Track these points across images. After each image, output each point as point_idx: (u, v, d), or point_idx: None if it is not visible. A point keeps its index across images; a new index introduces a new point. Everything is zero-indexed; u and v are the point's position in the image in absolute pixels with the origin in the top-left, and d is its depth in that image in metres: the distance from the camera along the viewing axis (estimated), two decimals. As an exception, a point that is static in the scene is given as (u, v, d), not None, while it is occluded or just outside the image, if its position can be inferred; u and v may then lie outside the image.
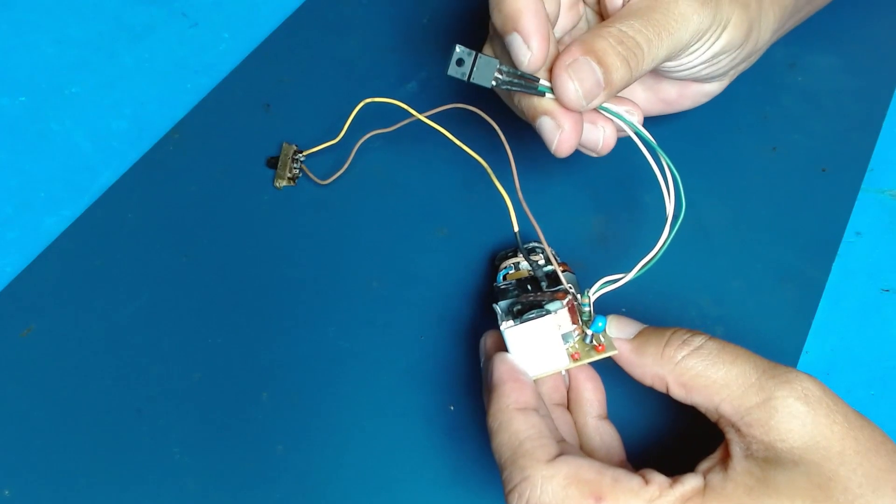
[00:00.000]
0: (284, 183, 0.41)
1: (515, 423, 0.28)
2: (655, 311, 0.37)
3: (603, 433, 0.32)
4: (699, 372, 0.28)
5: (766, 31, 0.35)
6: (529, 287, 0.32)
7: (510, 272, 0.35)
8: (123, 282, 0.38)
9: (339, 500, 0.32)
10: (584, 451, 0.31)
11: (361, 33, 0.48)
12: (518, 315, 0.30)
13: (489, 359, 0.30)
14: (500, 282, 0.33)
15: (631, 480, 0.26)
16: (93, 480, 0.33)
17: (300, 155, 0.41)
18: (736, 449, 0.27)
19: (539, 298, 0.30)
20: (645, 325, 0.30)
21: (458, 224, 0.40)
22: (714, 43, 0.32)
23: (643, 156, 0.31)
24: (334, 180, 0.41)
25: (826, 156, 0.41)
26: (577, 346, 0.30)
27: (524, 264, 0.35)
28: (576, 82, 0.30)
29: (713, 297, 0.37)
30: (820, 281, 0.38)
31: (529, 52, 0.30)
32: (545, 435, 0.28)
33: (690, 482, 0.26)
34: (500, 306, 0.31)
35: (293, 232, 0.40)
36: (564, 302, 0.30)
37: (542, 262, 0.34)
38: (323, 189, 0.41)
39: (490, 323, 0.34)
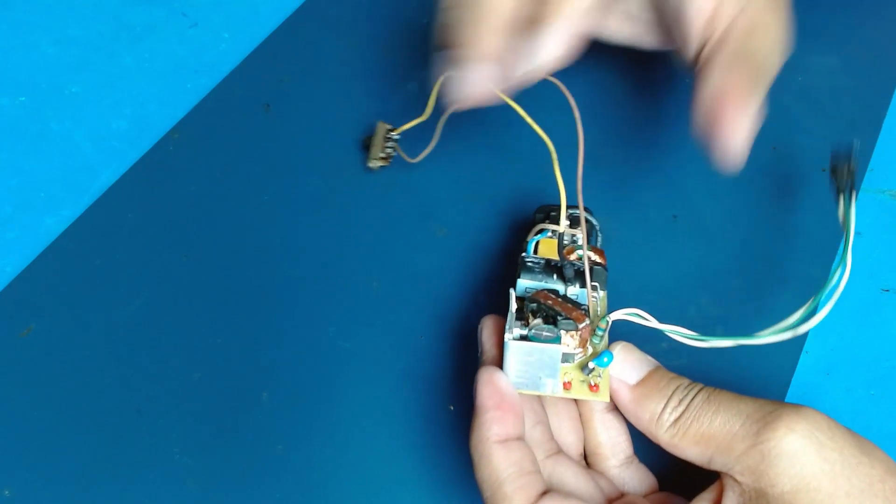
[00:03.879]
0: (379, 163, 0.40)
1: (496, 459, 0.27)
2: (655, 312, 0.36)
3: (633, 473, 0.31)
4: (686, 431, 0.27)
5: None
6: (555, 276, 0.30)
7: (547, 237, 0.32)
8: (123, 282, 0.38)
9: (339, 500, 0.32)
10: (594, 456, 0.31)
11: (361, 33, 0.48)
12: (529, 318, 0.29)
13: (481, 365, 0.29)
14: (530, 254, 0.31)
15: None
16: (93, 480, 0.33)
17: (394, 133, 0.40)
18: (729, 493, 0.26)
19: (556, 310, 0.29)
20: (653, 365, 0.29)
21: (459, 224, 0.40)
22: None
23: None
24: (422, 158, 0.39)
25: (826, 156, 0.41)
26: (573, 371, 0.29)
27: (566, 234, 0.32)
28: (744, 136, 0.30)
29: (713, 297, 0.37)
30: (820, 281, 0.38)
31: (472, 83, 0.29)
32: (526, 471, 0.27)
33: None
34: (513, 300, 0.29)
35: (293, 232, 0.40)
36: (580, 326, 0.28)
37: (579, 238, 0.32)
38: (322, 190, 0.41)
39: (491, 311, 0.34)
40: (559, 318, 0.29)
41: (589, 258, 0.31)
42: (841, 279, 0.29)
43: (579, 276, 0.30)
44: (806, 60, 0.45)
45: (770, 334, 0.29)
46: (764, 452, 0.25)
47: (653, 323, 0.29)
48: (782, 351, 0.36)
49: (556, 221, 0.33)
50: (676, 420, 0.27)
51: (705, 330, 0.36)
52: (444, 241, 0.39)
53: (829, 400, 0.34)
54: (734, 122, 0.29)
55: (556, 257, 0.31)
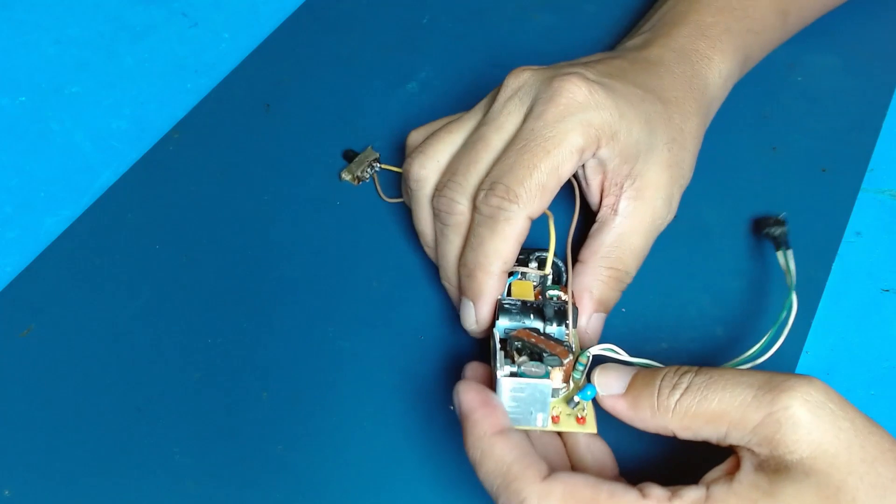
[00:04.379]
0: (349, 178, 0.41)
1: (498, 449, 0.28)
2: (655, 311, 0.37)
3: (594, 450, 0.31)
4: (696, 410, 0.27)
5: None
6: (532, 316, 0.32)
7: (517, 279, 0.34)
8: (123, 282, 0.38)
9: (339, 500, 0.32)
10: (577, 469, 0.31)
11: (361, 33, 0.48)
12: (515, 356, 0.30)
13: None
14: (505, 297, 0.33)
15: (627, 494, 0.26)
16: (93, 480, 0.33)
17: (378, 164, 0.41)
18: (746, 463, 0.27)
19: (541, 347, 0.30)
20: (633, 370, 0.30)
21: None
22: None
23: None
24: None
25: (826, 156, 0.41)
26: (560, 405, 0.31)
27: (532, 275, 0.35)
28: (592, 331, 0.34)
29: (713, 297, 0.37)
30: (820, 281, 0.38)
31: (476, 322, 0.33)
32: (531, 454, 0.28)
33: (690, 495, 0.26)
34: (497, 341, 0.31)
35: (293, 232, 0.40)
36: (565, 361, 0.30)
37: (548, 280, 0.35)
38: (322, 189, 0.41)
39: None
40: (544, 354, 0.30)
41: (564, 298, 0.33)
42: (787, 321, 0.32)
43: (557, 315, 0.32)
44: (806, 60, 0.45)
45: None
46: (781, 421, 0.26)
47: (624, 356, 0.31)
48: (782, 351, 0.35)
49: (525, 264, 0.35)
50: (678, 402, 0.28)
51: (705, 330, 0.36)
52: (444, 241, 0.39)
53: (829, 400, 0.34)
54: (582, 327, 0.34)
55: (531, 298, 0.34)
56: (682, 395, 0.28)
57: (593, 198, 0.35)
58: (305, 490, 0.33)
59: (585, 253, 0.35)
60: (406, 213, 0.39)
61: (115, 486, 0.33)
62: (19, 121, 0.44)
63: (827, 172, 0.41)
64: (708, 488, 0.26)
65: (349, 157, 0.42)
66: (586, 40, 0.46)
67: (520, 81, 0.34)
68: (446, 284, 0.35)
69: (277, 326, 0.37)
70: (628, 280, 0.35)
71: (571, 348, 0.31)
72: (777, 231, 0.36)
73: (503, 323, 0.32)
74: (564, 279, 0.35)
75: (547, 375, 0.30)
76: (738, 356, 0.33)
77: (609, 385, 0.30)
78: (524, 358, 0.30)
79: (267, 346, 0.36)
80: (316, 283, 0.38)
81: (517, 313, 0.32)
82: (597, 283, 0.34)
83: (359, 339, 0.36)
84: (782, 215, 0.37)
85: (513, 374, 0.30)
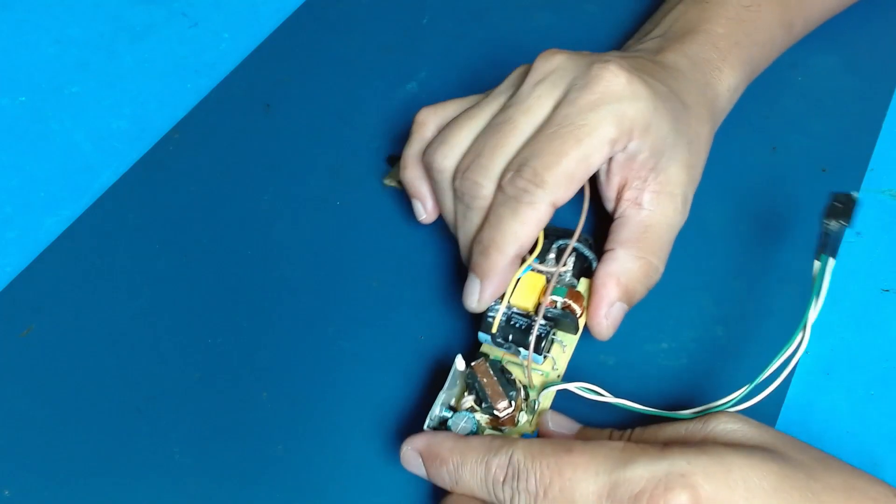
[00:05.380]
0: (394, 184, 0.40)
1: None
2: (655, 311, 0.37)
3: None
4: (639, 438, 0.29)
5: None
6: (510, 338, 0.32)
7: (530, 271, 0.33)
8: (123, 282, 0.38)
9: (339, 499, 0.32)
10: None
11: (361, 33, 0.48)
12: (464, 393, 0.31)
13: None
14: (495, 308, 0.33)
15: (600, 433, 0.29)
16: (93, 480, 0.33)
17: None
18: None
19: (486, 393, 0.31)
20: (579, 425, 0.31)
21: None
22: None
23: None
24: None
25: (826, 156, 0.41)
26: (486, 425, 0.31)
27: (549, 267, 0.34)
28: (611, 324, 0.33)
29: (713, 297, 0.37)
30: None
31: (478, 300, 0.33)
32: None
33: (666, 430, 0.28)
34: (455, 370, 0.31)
35: (292, 232, 0.40)
36: (500, 416, 0.31)
37: (565, 276, 0.34)
38: (322, 190, 0.41)
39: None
40: (483, 403, 0.31)
41: (570, 304, 0.33)
42: (800, 346, 0.29)
43: (538, 342, 0.31)
44: (806, 60, 0.45)
45: (728, 405, 0.30)
46: (715, 434, 0.27)
47: (607, 397, 0.31)
48: (782, 351, 0.35)
49: (545, 253, 0.34)
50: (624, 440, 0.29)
51: (705, 330, 0.36)
52: (444, 242, 0.39)
53: (829, 400, 0.34)
54: (601, 315, 0.33)
55: (535, 295, 0.33)
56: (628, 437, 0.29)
57: (610, 192, 0.35)
58: (305, 490, 0.33)
59: (612, 242, 0.34)
60: (406, 213, 0.39)
61: (115, 485, 0.33)
62: (19, 121, 0.44)
63: (827, 172, 0.41)
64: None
65: (393, 161, 0.41)
66: (586, 40, 0.46)
67: (552, 65, 0.33)
68: (465, 261, 0.35)
69: (277, 326, 0.37)
70: (656, 276, 0.34)
71: (523, 393, 0.31)
72: (835, 225, 0.28)
73: (484, 336, 0.32)
74: (594, 266, 0.34)
75: (475, 428, 0.30)
76: (738, 355, 0.33)
77: (561, 425, 0.31)
78: (469, 399, 0.31)
79: (267, 346, 0.36)
80: (316, 283, 0.38)
81: (499, 336, 0.32)
82: (626, 270, 0.33)
83: (359, 339, 0.36)
84: (854, 195, 0.30)
85: (442, 423, 0.31)
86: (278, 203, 0.41)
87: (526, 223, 0.31)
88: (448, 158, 0.34)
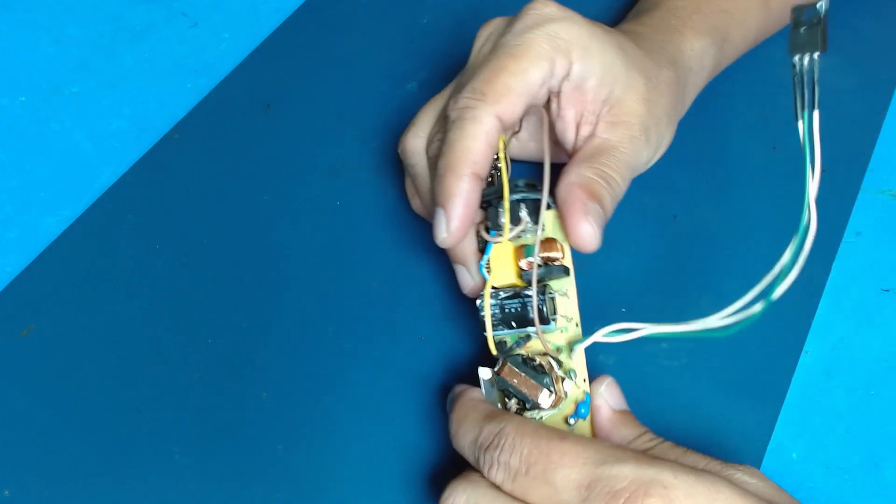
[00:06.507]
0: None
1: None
2: (655, 311, 0.37)
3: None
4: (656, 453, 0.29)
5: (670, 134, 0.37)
6: (513, 324, 0.31)
7: (497, 243, 0.31)
8: (123, 282, 0.38)
9: (340, 499, 0.32)
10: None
11: (361, 33, 0.48)
12: (504, 402, 0.31)
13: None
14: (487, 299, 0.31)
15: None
16: (93, 480, 0.33)
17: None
18: None
19: (524, 393, 0.30)
20: (627, 407, 0.31)
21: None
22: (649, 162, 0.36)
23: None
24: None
25: (826, 156, 0.41)
26: (558, 420, 0.31)
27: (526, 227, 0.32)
28: (594, 226, 0.31)
29: (713, 297, 0.37)
30: (820, 281, 0.38)
31: (446, 233, 0.31)
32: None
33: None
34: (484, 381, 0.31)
35: (292, 232, 0.40)
36: (545, 407, 0.30)
37: (526, 235, 0.32)
38: (322, 190, 0.41)
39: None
40: (527, 403, 0.30)
41: (549, 254, 0.31)
42: (808, 227, 0.25)
43: (540, 312, 0.30)
44: (806, 60, 0.45)
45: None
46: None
47: (643, 329, 0.30)
48: (782, 350, 0.36)
49: (517, 213, 0.32)
50: (651, 449, 0.29)
51: (704, 330, 0.36)
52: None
53: (829, 400, 0.34)
54: (581, 220, 0.31)
55: (512, 271, 0.31)
56: (651, 448, 0.29)
57: (568, 133, 0.34)
58: (305, 490, 0.33)
59: (566, 167, 0.33)
60: (407, 213, 0.39)
61: (115, 486, 0.33)
62: (19, 121, 0.44)
63: (827, 172, 0.41)
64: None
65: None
66: (586, 40, 0.46)
67: (490, 28, 0.35)
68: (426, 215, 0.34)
69: (277, 326, 0.37)
70: (618, 189, 0.33)
71: (556, 367, 0.30)
72: (803, 60, 0.21)
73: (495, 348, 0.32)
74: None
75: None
76: (737, 355, 0.33)
77: (612, 397, 0.31)
78: (512, 404, 0.31)
79: (267, 346, 0.36)
80: (316, 283, 0.38)
81: (498, 323, 0.31)
82: (583, 176, 0.32)
83: (359, 339, 0.36)
84: (820, 4, 0.24)
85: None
86: (278, 203, 0.41)
87: (475, 137, 0.31)
88: (418, 137, 0.35)
